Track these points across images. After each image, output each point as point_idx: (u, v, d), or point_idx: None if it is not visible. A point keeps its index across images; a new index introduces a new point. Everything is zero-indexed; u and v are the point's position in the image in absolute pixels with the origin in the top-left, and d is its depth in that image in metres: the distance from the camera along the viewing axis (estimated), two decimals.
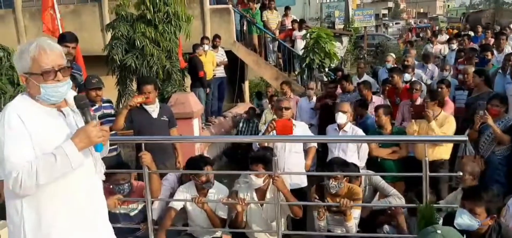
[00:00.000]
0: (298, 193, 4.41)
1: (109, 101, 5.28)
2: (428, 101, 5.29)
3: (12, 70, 5.48)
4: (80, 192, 2.18)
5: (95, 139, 2.08)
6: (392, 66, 8.64)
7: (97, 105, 4.89)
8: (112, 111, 5.19)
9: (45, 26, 6.91)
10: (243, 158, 8.29)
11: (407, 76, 7.26)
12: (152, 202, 3.81)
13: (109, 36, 8.99)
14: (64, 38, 4.98)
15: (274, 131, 4.49)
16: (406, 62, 8.20)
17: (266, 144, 4.58)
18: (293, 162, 4.69)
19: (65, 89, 2.14)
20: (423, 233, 2.24)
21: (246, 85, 14.02)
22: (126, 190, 3.97)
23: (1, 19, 12.95)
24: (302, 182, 4.80)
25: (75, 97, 2.14)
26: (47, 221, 2.08)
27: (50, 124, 2.09)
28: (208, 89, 9.26)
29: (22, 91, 2.14)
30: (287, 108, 4.86)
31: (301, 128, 4.96)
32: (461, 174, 3.86)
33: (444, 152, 5.22)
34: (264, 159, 3.91)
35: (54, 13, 6.93)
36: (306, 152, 5.10)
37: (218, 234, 4.17)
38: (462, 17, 33.97)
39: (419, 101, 6.06)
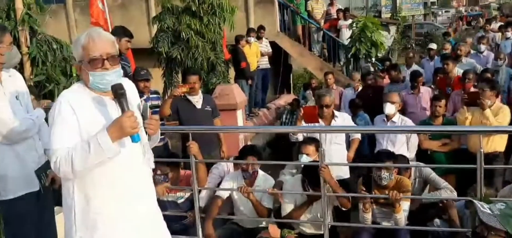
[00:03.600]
0: (341, 184, 4.33)
1: (156, 92, 5.39)
2: (486, 90, 4.97)
3: (65, 62, 5.70)
4: (127, 181, 2.19)
5: (128, 130, 2.03)
6: (445, 53, 8.33)
7: (145, 96, 4.99)
8: (159, 102, 5.29)
9: (93, 19, 7.10)
10: (286, 149, 8.26)
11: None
12: (199, 191, 3.85)
13: (155, 28, 9.17)
14: (126, 34, 5.08)
15: (303, 120, 4.45)
16: (459, 52, 7.87)
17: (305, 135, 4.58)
18: (334, 153, 4.60)
19: (113, 78, 2.13)
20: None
21: (291, 76, 13.93)
22: (161, 181, 4.02)
23: (54, 14, 13.40)
24: (345, 173, 4.71)
25: (112, 86, 2.13)
26: (95, 207, 2.13)
27: (100, 112, 2.12)
28: (250, 81, 9.26)
29: (74, 82, 2.21)
30: (328, 106, 4.75)
31: (342, 119, 4.86)
32: None
33: (498, 144, 4.96)
34: (315, 139, 3.97)
35: (103, 6, 7.12)
36: (349, 143, 5.01)
37: (264, 223, 4.17)
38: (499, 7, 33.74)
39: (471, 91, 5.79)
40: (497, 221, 2.23)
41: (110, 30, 6.53)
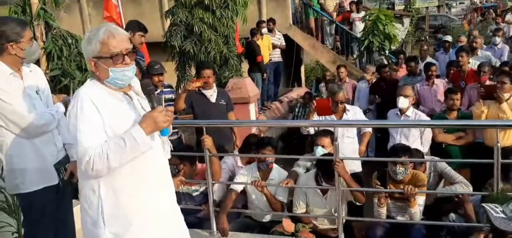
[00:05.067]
0: (353, 178, 4.31)
1: (170, 86, 5.41)
2: (505, 84, 4.88)
3: (80, 56, 5.75)
4: (154, 173, 2.22)
5: (161, 124, 2.10)
6: (462, 45, 8.22)
7: (159, 90, 5.02)
8: (173, 96, 5.31)
9: (106, 12, 7.12)
10: (299, 142, 8.27)
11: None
12: (213, 184, 3.88)
13: (168, 22, 9.19)
14: (140, 28, 5.12)
15: (315, 113, 4.44)
16: (474, 44, 7.77)
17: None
18: (346, 147, 4.59)
19: (132, 73, 2.18)
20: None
21: (302, 70, 13.88)
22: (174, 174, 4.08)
23: (68, 8, 13.46)
24: (357, 167, 4.71)
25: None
26: (125, 201, 2.13)
27: (119, 108, 2.14)
28: (264, 75, 9.27)
29: (89, 76, 2.20)
30: (342, 102, 4.73)
31: (353, 113, 4.84)
32: None
33: None
34: (330, 131, 4.02)
35: (117, 0, 7.15)
36: (361, 137, 4.99)
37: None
38: None
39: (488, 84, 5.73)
40: None
41: (124, 24, 6.58)
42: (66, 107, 2.88)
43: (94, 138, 2.02)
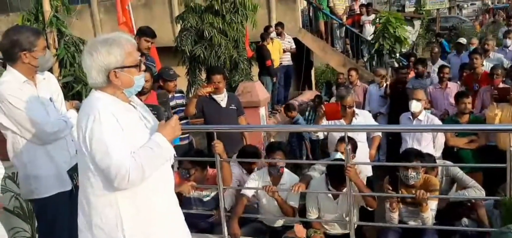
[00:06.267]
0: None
1: (181, 91, 5.43)
2: None
3: None
4: (164, 178, 2.24)
5: (178, 132, 2.18)
6: (475, 48, 8.15)
7: (170, 96, 5.04)
8: (184, 101, 5.33)
9: (122, 18, 7.16)
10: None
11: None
12: (224, 190, 3.88)
13: (178, 27, 9.26)
14: (146, 33, 5.16)
15: (324, 117, 4.41)
16: (486, 46, 7.70)
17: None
18: (357, 152, 4.53)
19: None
20: (497, 233, 2.10)
21: (313, 73, 13.86)
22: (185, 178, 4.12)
23: (79, 15, 13.63)
24: (368, 171, 4.67)
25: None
26: (143, 210, 2.12)
27: (129, 118, 2.12)
28: (274, 78, 9.27)
29: (94, 88, 2.15)
30: (350, 106, 4.69)
31: (363, 117, 4.81)
32: None
33: None
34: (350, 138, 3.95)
35: (128, 6, 7.21)
36: (370, 141, 4.97)
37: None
38: None
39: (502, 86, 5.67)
40: None
41: (135, 30, 6.64)
42: None
43: (124, 150, 1.99)
